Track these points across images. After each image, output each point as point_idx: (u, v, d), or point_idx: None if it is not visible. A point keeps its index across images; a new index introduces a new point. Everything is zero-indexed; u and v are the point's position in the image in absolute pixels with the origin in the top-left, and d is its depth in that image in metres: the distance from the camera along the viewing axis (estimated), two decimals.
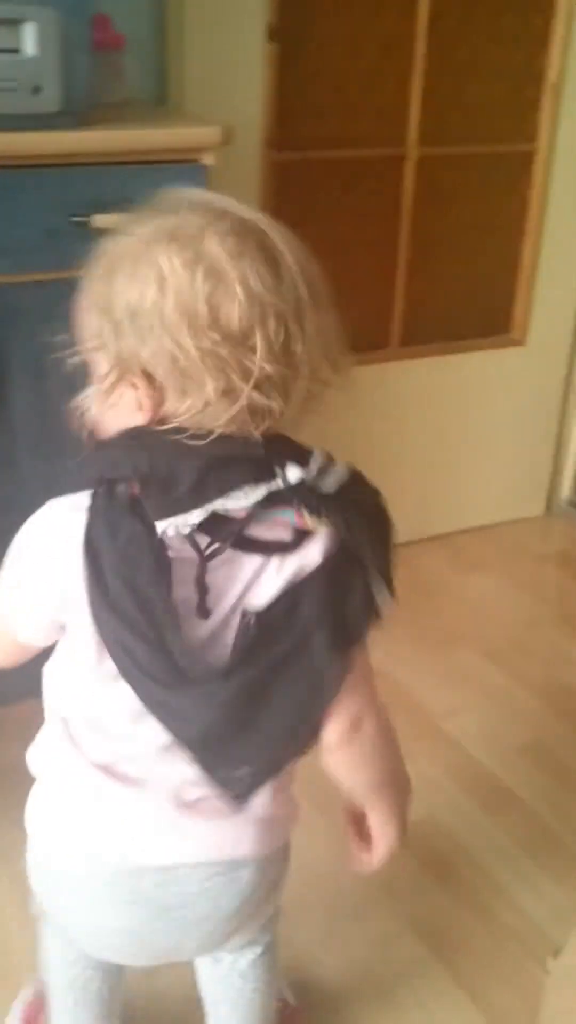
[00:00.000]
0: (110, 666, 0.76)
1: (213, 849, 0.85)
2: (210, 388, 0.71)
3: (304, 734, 0.81)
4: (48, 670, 0.86)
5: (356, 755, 0.85)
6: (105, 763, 0.83)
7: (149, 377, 0.73)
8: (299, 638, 0.76)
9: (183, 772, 0.81)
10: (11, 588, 0.81)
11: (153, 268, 0.71)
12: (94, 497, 0.74)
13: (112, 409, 0.76)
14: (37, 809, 0.90)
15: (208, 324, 0.70)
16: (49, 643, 0.83)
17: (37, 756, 0.89)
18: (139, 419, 0.74)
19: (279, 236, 0.73)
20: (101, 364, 0.75)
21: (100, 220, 1.36)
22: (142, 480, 0.73)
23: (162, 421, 0.74)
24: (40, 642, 0.83)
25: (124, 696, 0.77)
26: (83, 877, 0.87)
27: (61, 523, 0.76)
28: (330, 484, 0.76)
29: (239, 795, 0.82)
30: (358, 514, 0.77)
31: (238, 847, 0.85)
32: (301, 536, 0.76)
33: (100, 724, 0.82)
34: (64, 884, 0.90)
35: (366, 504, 0.78)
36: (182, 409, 0.72)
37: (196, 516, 0.73)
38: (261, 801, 0.84)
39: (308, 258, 0.75)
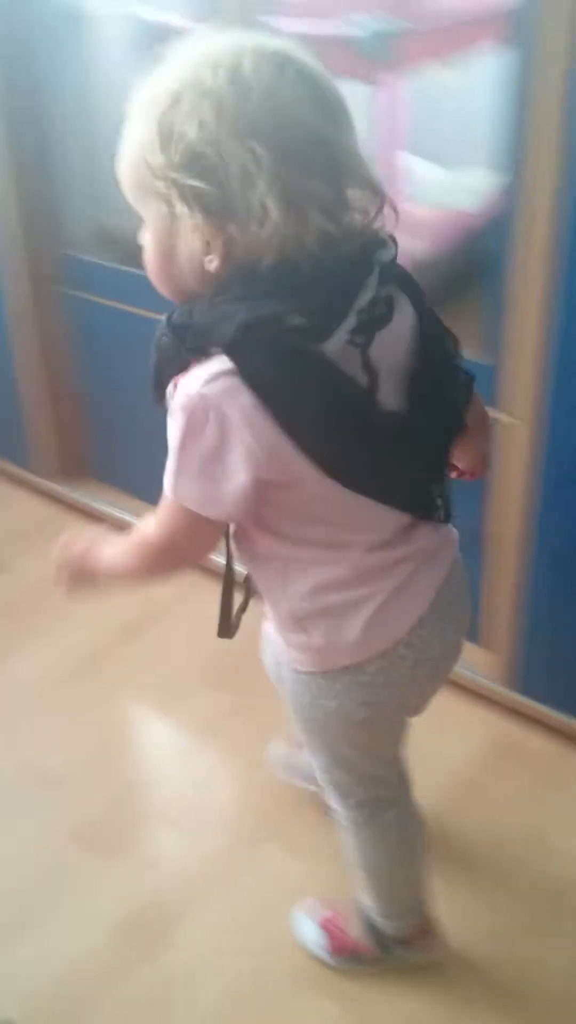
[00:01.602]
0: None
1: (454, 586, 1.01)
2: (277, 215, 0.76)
3: (457, 434, 0.95)
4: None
5: (478, 422, 1.02)
6: (377, 564, 0.94)
7: (216, 216, 0.77)
8: (439, 372, 0.91)
9: (415, 534, 0.95)
10: (198, 475, 0.83)
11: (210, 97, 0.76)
12: (239, 353, 0.78)
13: (188, 264, 0.81)
14: (355, 632, 0.95)
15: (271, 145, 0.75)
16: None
17: (309, 601, 0.94)
18: (214, 267, 0.80)
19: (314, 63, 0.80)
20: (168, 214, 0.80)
21: None
22: (297, 312, 0.77)
23: (237, 264, 0.79)
24: (241, 515, 0.88)
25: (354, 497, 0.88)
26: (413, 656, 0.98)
27: (221, 393, 0.79)
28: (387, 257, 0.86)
29: (446, 518, 0.98)
30: (410, 279, 0.90)
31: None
32: (392, 304, 0.86)
33: (357, 530, 0.92)
34: (396, 673, 0.98)
35: (405, 270, 0.90)
36: (264, 236, 0.76)
37: (351, 322, 0.80)
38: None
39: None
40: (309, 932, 1.24)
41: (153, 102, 0.78)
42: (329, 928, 1.23)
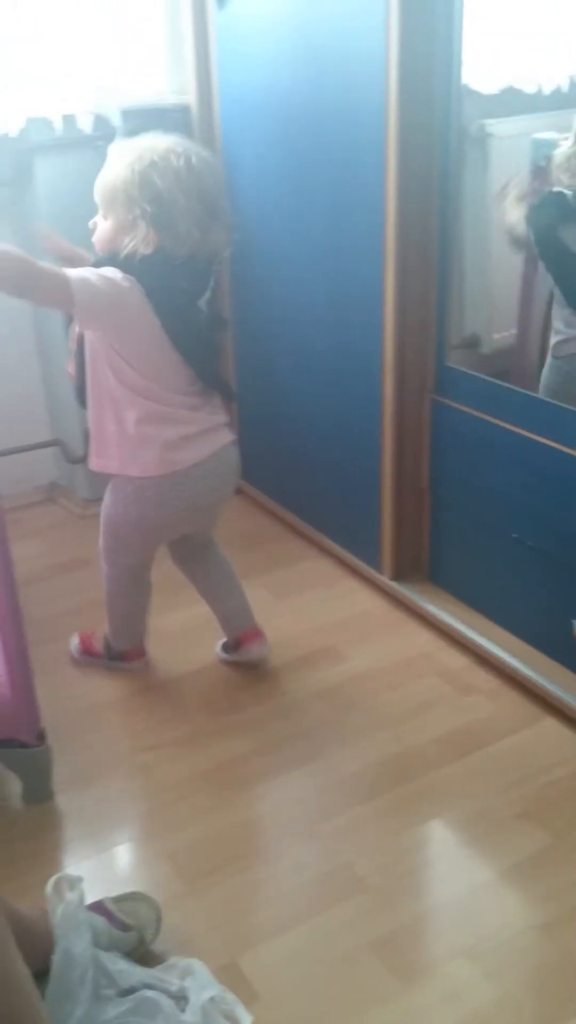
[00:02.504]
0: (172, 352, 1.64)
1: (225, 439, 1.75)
2: (182, 229, 1.56)
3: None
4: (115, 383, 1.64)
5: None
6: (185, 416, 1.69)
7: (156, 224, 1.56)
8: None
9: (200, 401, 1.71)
10: (97, 286, 1.54)
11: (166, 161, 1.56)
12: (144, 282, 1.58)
13: (130, 247, 1.57)
14: (154, 460, 1.67)
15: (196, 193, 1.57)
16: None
17: (137, 444, 1.67)
18: (148, 251, 1.57)
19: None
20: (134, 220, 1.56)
21: None
22: (185, 279, 1.62)
23: (160, 253, 1.57)
24: (85, 313, 1.58)
25: (181, 366, 1.66)
26: (200, 477, 1.71)
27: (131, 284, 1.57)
28: None
29: (232, 396, 1.85)
30: None
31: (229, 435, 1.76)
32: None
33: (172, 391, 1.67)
34: (191, 489, 1.72)
35: None
36: (170, 242, 1.57)
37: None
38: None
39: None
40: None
41: (138, 161, 1.55)
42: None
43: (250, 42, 2.13)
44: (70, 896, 1.26)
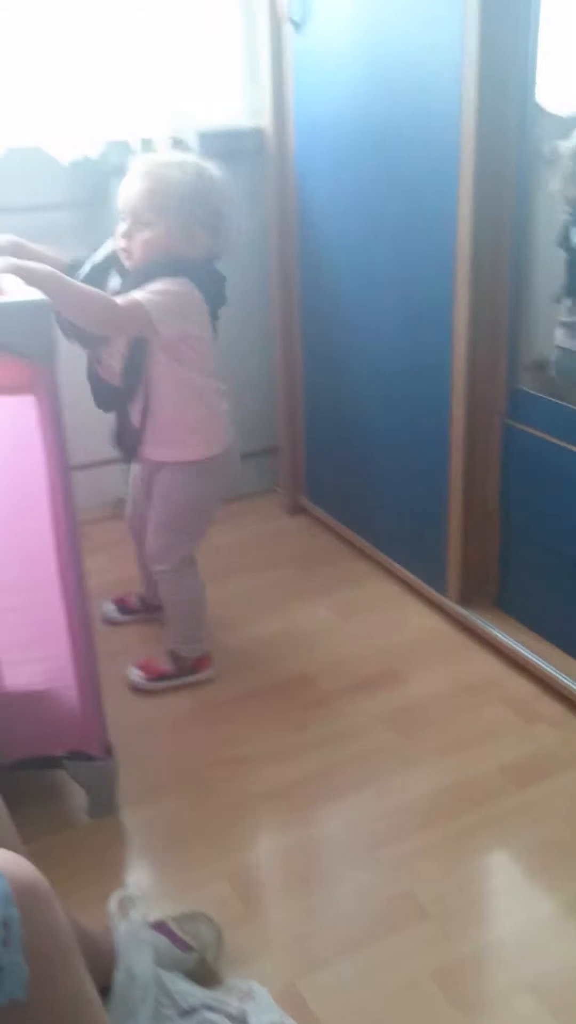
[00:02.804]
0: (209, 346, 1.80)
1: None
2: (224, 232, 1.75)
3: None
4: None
5: None
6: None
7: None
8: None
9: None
10: (169, 306, 1.69)
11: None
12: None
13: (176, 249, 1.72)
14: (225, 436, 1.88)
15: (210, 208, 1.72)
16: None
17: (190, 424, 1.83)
18: (200, 252, 1.74)
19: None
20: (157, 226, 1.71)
21: None
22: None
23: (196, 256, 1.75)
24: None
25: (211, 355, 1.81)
26: (235, 454, 1.91)
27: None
28: None
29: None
30: None
31: None
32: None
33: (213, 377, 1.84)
34: (234, 463, 1.91)
35: None
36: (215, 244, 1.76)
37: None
38: None
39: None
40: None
41: (183, 171, 1.70)
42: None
43: (325, 66, 2.15)
44: (133, 914, 1.26)
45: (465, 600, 2.12)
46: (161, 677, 1.97)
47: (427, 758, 1.76)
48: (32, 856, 0.94)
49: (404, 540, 2.28)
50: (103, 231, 2.38)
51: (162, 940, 1.30)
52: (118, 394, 1.81)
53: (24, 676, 1.58)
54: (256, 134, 2.42)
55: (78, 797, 1.66)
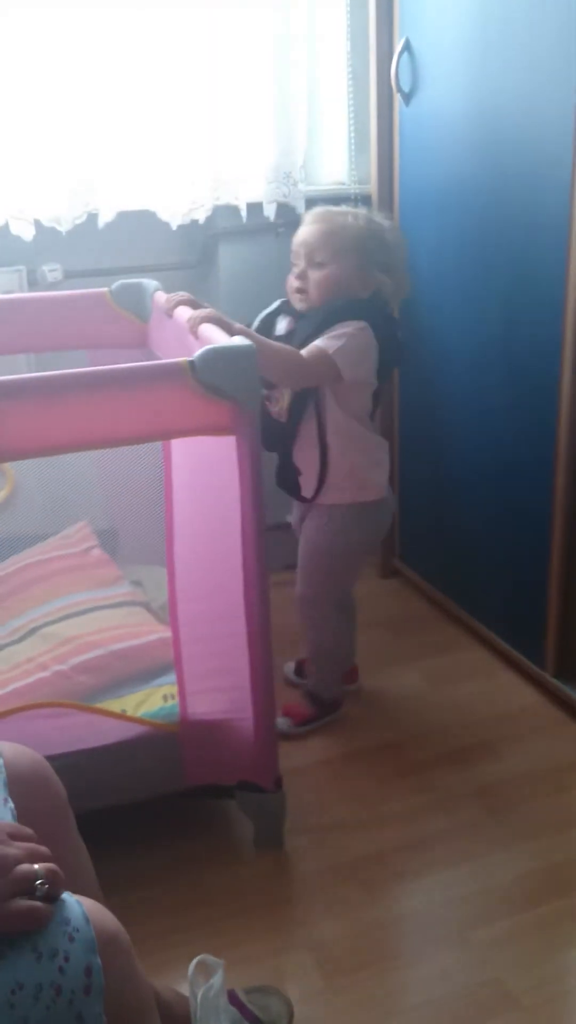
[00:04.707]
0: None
1: None
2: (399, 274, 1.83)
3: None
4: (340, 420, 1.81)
5: None
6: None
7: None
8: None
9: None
10: (352, 352, 1.73)
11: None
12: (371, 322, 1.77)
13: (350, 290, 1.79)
14: (380, 483, 1.89)
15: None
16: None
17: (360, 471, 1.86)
18: (363, 295, 1.79)
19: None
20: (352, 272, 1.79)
21: None
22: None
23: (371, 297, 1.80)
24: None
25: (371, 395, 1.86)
26: (391, 499, 1.96)
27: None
28: None
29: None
30: None
31: None
32: None
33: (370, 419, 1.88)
34: (387, 511, 1.95)
35: None
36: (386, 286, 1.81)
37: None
38: None
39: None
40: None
41: (356, 217, 1.80)
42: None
43: (432, 136, 2.17)
44: (213, 980, 1.23)
45: (562, 674, 2.05)
46: (306, 721, 1.99)
47: (519, 838, 1.68)
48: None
49: (500, 608, 2.23)
50: (209, 293, 2.43)
51: (233, 1012, 1.27)
52: (283, 431, 1.82)
53: (205, 705, 1.63)
54: (362, 200, 2.45)
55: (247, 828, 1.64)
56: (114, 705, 1.69)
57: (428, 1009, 1.37)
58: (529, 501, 2.03)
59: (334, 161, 2.54)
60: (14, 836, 0.88)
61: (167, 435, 1.45)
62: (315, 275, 1.77)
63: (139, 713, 1.66)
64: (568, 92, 1.71)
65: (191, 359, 1.32)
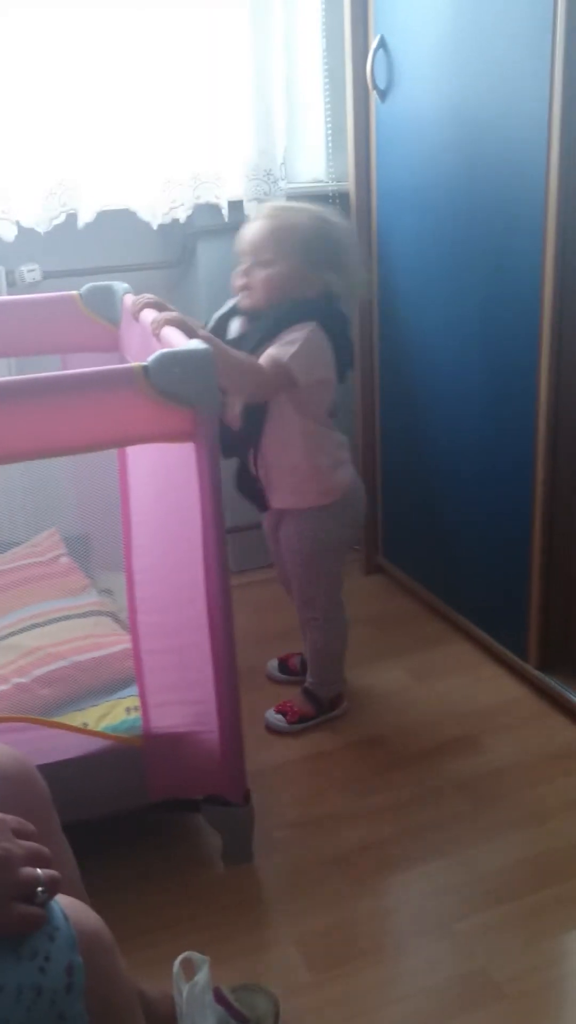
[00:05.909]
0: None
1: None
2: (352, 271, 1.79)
3: None
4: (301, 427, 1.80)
5: None
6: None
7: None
8: None
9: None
10: (306, 357, 1.70)
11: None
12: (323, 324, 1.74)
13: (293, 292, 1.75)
14: (344, 479, 1.88)
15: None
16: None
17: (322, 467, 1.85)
18: (311, 295, 1.75)
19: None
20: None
21: None
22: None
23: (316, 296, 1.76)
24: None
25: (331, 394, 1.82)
26: (359, 494, 1.95)
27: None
28: None
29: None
30: None
31: None
32: None
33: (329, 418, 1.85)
34: (358, 502, 1.94)
35: None
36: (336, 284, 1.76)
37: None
38: None
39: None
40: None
41: (307, 215, 1.76)
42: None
43: (409, 132, 2.18)
44: (198, 977, 1.23)
45: (545, 666, 2.06)
46: (302, 719, 1.99)
47: (503, 829, 1.69)
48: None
49: (483, 602, 2.24)
50: (189, 292, 2.43)
51: (218, 1010, 1.27)
52: (237, 438, 1.79)
53: (169, 718, 1.60)
54: (340, 197, 2.46)
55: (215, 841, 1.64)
56: (76, 718, 1.65)
57: (414, 1000, 1.38)
58: (510, 496, 2.04)
59: (312, 159, 2.55)
60: (18, 833, 0.88)
61: (124, 442, 1.42)
62: (260, 273, 1.74)
63: (101, 726, 1.62)
64: (542, 88, 1.72)
65: (145, 364, 1.29)
